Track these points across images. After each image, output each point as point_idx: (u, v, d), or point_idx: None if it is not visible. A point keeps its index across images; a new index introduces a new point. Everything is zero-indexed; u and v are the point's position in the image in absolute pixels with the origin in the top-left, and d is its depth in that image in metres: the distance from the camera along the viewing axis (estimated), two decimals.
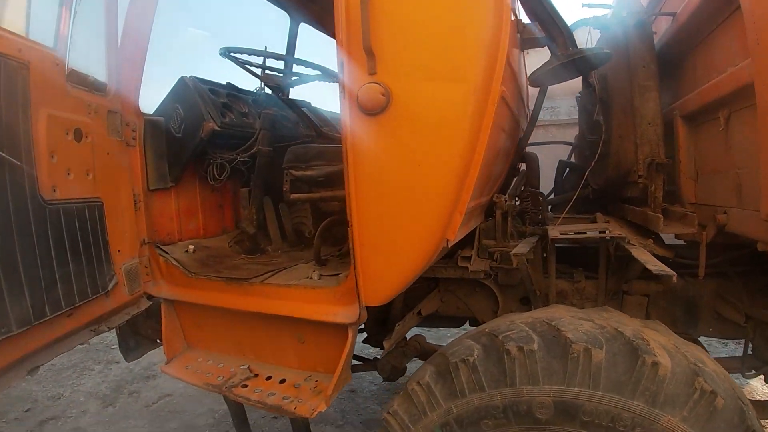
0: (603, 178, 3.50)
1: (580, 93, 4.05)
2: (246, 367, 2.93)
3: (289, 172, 3.09)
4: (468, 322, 3.69)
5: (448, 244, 2.28)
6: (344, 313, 2.47)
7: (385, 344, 2.80)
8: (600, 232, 2.78)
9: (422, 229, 2.21)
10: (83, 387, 5.64)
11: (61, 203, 2.49)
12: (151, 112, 3.36)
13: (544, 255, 3.11)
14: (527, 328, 2.15)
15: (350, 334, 2.47)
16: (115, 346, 6.38)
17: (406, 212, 2.18)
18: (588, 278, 3.16)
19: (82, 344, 2.74)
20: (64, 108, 2.57)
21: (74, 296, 2.54)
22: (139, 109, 3.16)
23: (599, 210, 3.54)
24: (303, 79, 3.47)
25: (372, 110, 2.04)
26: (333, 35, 4.63)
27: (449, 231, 2.22)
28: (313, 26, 4.47)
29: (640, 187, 3.06)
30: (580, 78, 3.22)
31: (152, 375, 5.69)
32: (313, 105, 4.31)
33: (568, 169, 4.21)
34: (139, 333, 3.51)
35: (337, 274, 2.77)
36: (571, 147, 4.49)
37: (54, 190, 2.46)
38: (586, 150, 3.75)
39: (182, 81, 3.30)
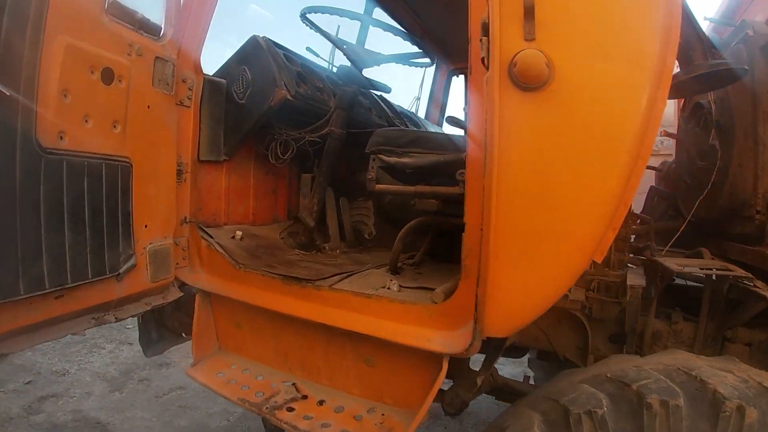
0: (709, 210, 2.70)
1: (683, 115, 3.26)
2: (291, 384, 2.09)
3: (378, 157, 2.26)
4: (537, 354, 2.86)
5: (592, 266, 1.72)
6: (442, 340, 1.71)
7: (478, 379, 1.96)
8: (705, 269, 2.11)
9: (575, 241, 1.47)
10: (91, 366, 4.68)
11: (66, 155, 1.70)
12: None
13: None
14: (664, 378, 1.54)
15: (444, 367, 1.68)
16: (130, 326, 5.45)
17: (560, 218, 1.45)
18: (685, 320, 2.39)
19: (75, 334, 1.92)
20: (94, 41, 1.79)
21: (65, 274, 1.73)
22: (200, 66, 2.33)
23: (694, 244, 2.75)
24: (379, 59, 2.63)
25: (530, 84, 1.40)
26: (406, 26, 3.90)
27: (598, 250, 1.48)
28: (388, 13, 3.66)
29: (756, 223, 2.35)
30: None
31: (165, 363, 4.73)
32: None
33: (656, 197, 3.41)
34: (164, 324, 2.66)
35: (423, 288, 1.95)
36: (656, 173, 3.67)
37: (61, 138, 1.67)
38: (688, 177, 2.95)
39: (254, 40, 2.47)
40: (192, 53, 2.27)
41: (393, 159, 2.20)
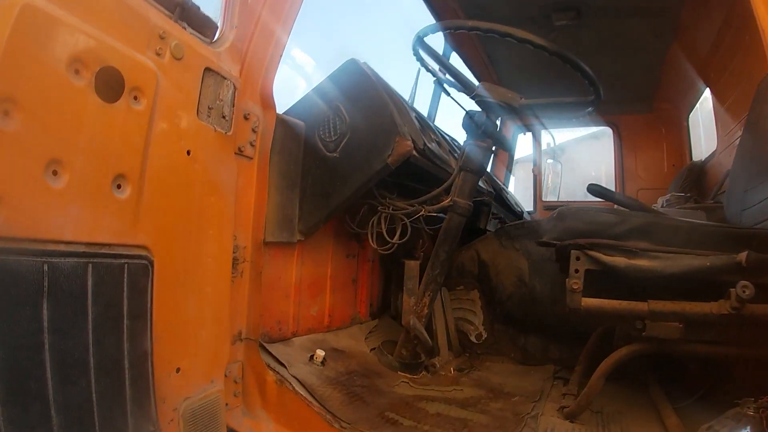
0: None
1: None
2: None
3: (587, 255, 1.12)
4: None
5: None
6: None
7: None
8: None
9: None
10: None
11: None
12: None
13: None
14: None
15: None
16: None
17: None
18: None
19: None
20: (90, 15, 0.72)
21: None
22: (271, 97, 1.23)
23: None
24: (528, 104, 1.48)
25: None
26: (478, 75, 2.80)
27: None
28: (463, 59, 2.62)
29: None
30: None
31: None
32: None
33: None
34: None
35: None
36: None
37: None
38: None
39: (355, 66, 1.36)
40: (260, 75, 1.19)
41: (621, 261, 1.06)
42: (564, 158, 3.82)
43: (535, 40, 1.25)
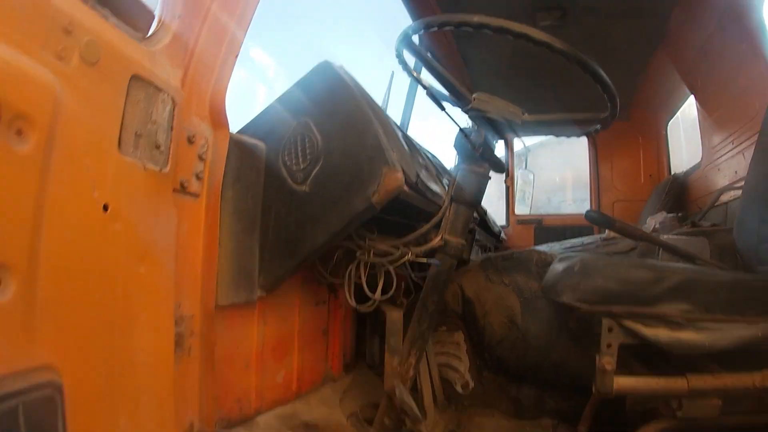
0: None
1: None
2: None
3: (622, 326, 0.86)
4: None
5: None
6: None
7: None
8: None
9: None
10: None
11: None
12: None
13: None
14: None
15: None
16: None
17: None
18: None
19: None
20: None
21: None
22: (224, 112, 0.95)
23: None
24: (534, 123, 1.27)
25: None
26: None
27: None
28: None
29: None
30: None
31: None
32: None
33: None
34: None
35: None
36: None
37: None
38: None
39: (329, 70, 1.07)
40: (210, 82, 0.91)
41: (664, 333, 0.87)
42: (531, 166, 3.71)
43: (555, 44, 1.05)
